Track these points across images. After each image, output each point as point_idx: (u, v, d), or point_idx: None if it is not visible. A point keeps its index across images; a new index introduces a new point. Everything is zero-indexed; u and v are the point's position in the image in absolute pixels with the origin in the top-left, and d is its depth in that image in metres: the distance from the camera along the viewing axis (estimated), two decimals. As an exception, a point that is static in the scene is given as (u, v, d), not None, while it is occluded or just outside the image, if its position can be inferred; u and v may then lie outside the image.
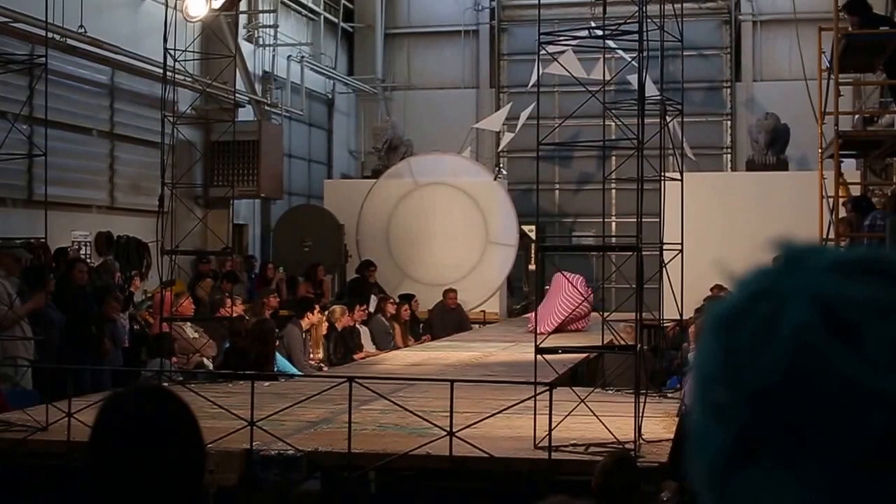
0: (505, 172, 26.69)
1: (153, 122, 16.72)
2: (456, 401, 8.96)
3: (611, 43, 14.09)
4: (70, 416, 9.12)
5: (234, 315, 15.35)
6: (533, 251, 26.25)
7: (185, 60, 13.95)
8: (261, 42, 24.78)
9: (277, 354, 14.18)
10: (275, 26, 24.96)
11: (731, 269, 1.00)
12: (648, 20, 10.10)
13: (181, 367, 14.16)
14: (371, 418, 10.19)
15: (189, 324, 15.17)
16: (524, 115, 23.63)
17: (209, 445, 2.86)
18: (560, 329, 17.56)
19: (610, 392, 11.56)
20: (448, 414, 8.80)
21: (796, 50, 20.86)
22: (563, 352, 11.18)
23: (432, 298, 22.04)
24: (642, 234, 9.84)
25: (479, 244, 23.82)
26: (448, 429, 8.69)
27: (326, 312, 17.17)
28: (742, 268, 0.99)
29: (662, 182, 11.16)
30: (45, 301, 13.13)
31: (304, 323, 15.92)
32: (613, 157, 20.56)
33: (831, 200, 15.12)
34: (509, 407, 9.48)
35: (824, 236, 14.61)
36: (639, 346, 9.98)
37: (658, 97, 11.93)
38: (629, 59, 14.32)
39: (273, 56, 25.02)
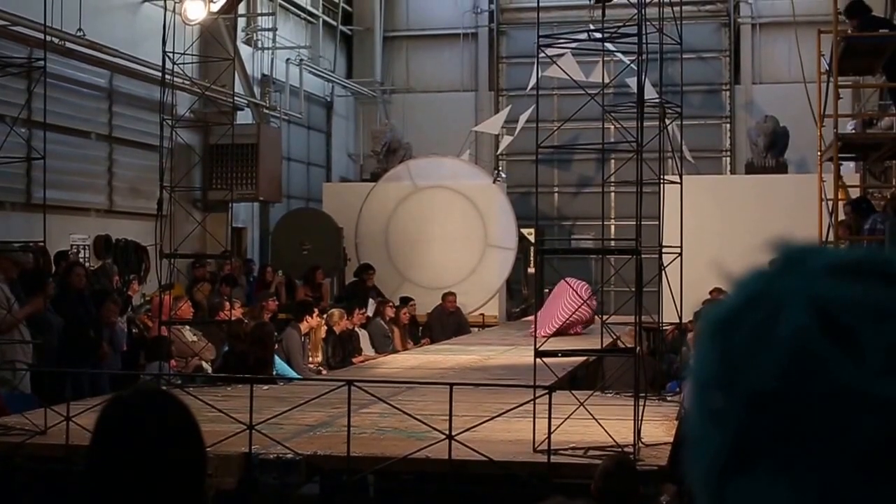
0: (504, 175, 26.68)
1: (152, 126, 16.69)
2: (455, 404, 8.95)
3: (610, 46, 14.06)
4: (68, 420, 9.10)
5: (233, 318, 15.33)
6: (532, 254, 26.25)
7: (184, 64, 13.94)
8: (259, 45, 24.78)
9: (276, 358, 14.17)
10: (273, 29, 24.96)
11: (728, 271, 0.99)
12: (647, 23, 10.08)
13: (180, 370, 14.14)
14: (370, 422, 10.17)
15: (188, 327, 15.16)
16: (523, 117, 23.64)
17: (208, 449, 2.85)
18: (560, 333, 17.53)
19: (609, 395, 11.55)
20: (447, 417, 8.79)
21: (795, 53, 20.87)
22: (563, 355, 11.14)
23: (431, 302, 22.02)
24: (641, 237, 9.83)
25: (478, 247, 23.81)
26: (447, 432, 8.68)
27: (325, 316, 17.16)
28: (740, 269, 0.98)
29: (661, 185, 11.15)
30: (44, 305, 13.11)
31: (303, 326, 15.91)
32: (612, 160, 20.54)
33: (831, 203, 15.11)
34: (508, 410, 9.47)
35: (823, 239, 14.61)
36: (638, 349, 9.96)
37: (657, 100, 11.92)
38: (628, 62, 14.37)
39: (272, 59, 25.02)
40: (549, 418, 8.61)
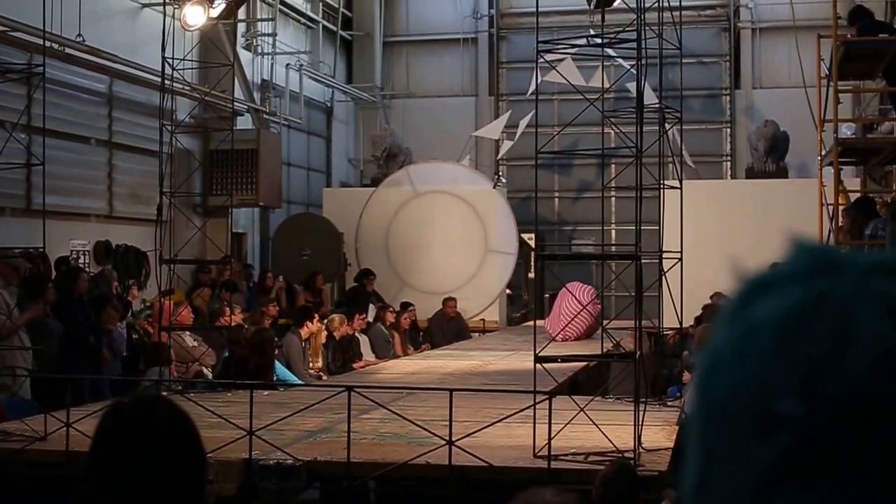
0: (504, 180, 26.69)
1: (152, 131, 16.70)
2: (455, 410, 8.94)
3: (609, 51, 14.09)
4: (68, 426, 9.09)
5: (234, 324, 15.32)
6: (532, 259, 26.25)
7: (184, 69, 13.93)
8: (259, 50, 24.78)
9: (277, 363, 14.16)
10: (273, 34, 24.96)
11: (746, 271, 0.96)
12: (647, 28, 10.08)
13: (180, 376, 14.13)
14: (370, 427, 10.17)
15: (188, 333, 15.15)
16: (523, 122, 23.65)
17: (208, 455, 2.84)
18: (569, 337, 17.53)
19: (610, 401, 11.54)
20: (447, 423, 8.78)
21: (795, 57, 20.86)
22: (563, 360, 11.15)
23: (431, 307, 22.02)
24: (641, 242, 9.83)
25: (479, 252, 23.81)
26: (447, 438, 8.67)
27: (325, 321, 17.15)
28: (757, 270, 0.96)
29: (662, 190, 11.15)
30: (44, 311, 13.10)
31: (304, 332, 15.90)
32: (612, 165, 20.52)
33: (831, 208, 15.10)
34: (509, 416, 9.45)
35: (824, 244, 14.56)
36: (639, 353, 9.94)
37: (657, 105, 11.93)
38: (628, 67, 14.36)
39: (271, 64, 25.02)
40: (550, 424, 8.60)
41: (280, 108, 25.21)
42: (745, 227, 20.70)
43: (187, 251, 15.61)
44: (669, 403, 11.93)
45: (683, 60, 13.26)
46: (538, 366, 9.29)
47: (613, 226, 26.35)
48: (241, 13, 23.45)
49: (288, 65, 25.85)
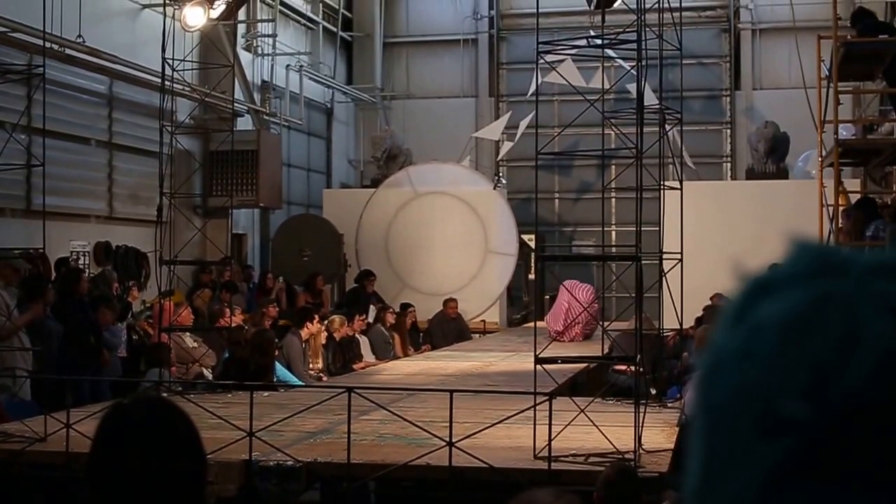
0: (504, 181, 26.67)
1: (152, 132, 16.70)
2: (455, 411, 8.94)
3: (610, 52, 14.10)
4: (69, 427, 9.09)
5: (234, 325, 15.32)
6: (533, 260, 26.24)
7: (184, 70, 13.94)
8: (259, 51, 24.78)
9: (277, 364, 14.16)
10: (273, 35, 24.96)
11: (749, 271, 0.96)
12: (647, 29, 10.08)
13: (180, 377, 14.13)
14: (370, 429, 10.17)
15: (188, 334, 15.15)
16: (523, 123, 23.64)
17: (209, 456, 2.84)
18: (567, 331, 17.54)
19: (610, 402, 11.54)
20: (448, 424, 8.78)
21: (796, 58, 20.87)
22: (563, 362, 11.16)
23: (431, 308, 22.01)
24: (642, 243, 9.83)
25: (479, 253, 23.80)
26: (447, 439, 8.67)
27: (325, 322, 17.15)
28: (760, 271, 0.95)
29: (662, 191, 11.14)
30: (44, 311, 13.10)
31: (304, 333, 15.89)
32: (613, 166, 20.53)
33: (831, 209, 15.10)
34: (509, 417, 9.46)
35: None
36: (639, 357, 9.94)
37: (657, 106, 11.92)
38: (628, 68, 14.35)
39: (271, 65, 25.01)
40: (550, 425, 8.60)
41: (280, 108, 25.20)
42: (745, 228, 20.69)
43: (187, 252, 15.59)
44: (669, 405, 11.92)
45: (683, 61, 13.25)
46: (538, 367, 9.29)
47: (614, 227, 26.34)
48: (241, 14, 23.44)
49: (288, 66, 25.85)
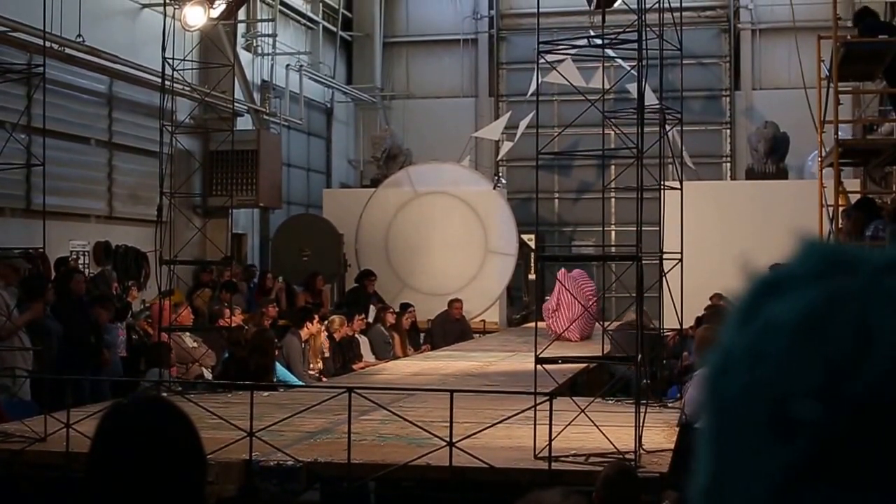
0: (504, 181, 26.67)
1: (152, 132, 16.69)
2: (456, 411, 8.94)
3: (610, 52, 14.10)
4: (68, 427, 9.09)
5: (234, 325, 15.31)
6: (532, 260, 26.24)
7: (184, 70, 13.93)
8: (259, 51, 24.78)
9: (277, 364, 14.15)
10: (273, 35, 24.95)
11: (756, 271, 0.95)
12: (647, 29, 10.08)
13: (180, 377, 14.13)
14: (371, 429, 10.16)
15: (188, 334, 15.14)
16: (523, 123, 23.66)
17: (209, 456, 2.84)
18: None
19: (610, 402, 11.53)
20: (448, 424, 8.78)
21: (795, 58, 20.85)
22: (563, 362, 11.15)
23: (431, 308, 22.00)
24: (642, 243, 9.82)
25: (479, 253, 23.79)
26: (448, 439, 8.67)
27: (325, 322, 17.14)
28: (762, 271, 0.94)
29: (662, 191, 11.14)
30: (43, 311, 13.09)
31: (303, 333, 15.89)
32: (613, 166, 20.52)
33: (831, 209, 15.10)
34: (509, 417, 9.46)
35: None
36: (639, 356, 9.94)
37: (657, 106, 11.92)
38: (628, 68, 14.35)
39: (271, 65, 25.01)
40: (550, 425, 8.60)
41: (280, 108, 25.20)
42: (745, 228, 20.69)
43: (187, 252, 15.59)
44: (670, 405, 11.92)
45: (684, 61, 13.24)
46: (539, 367, 9.29)
47: (614, 227, 26.32)
48: (242, 14, 23.44)
49: (288, 65, 25.84)
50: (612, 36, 11.29)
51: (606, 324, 13.08)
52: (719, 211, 21.39)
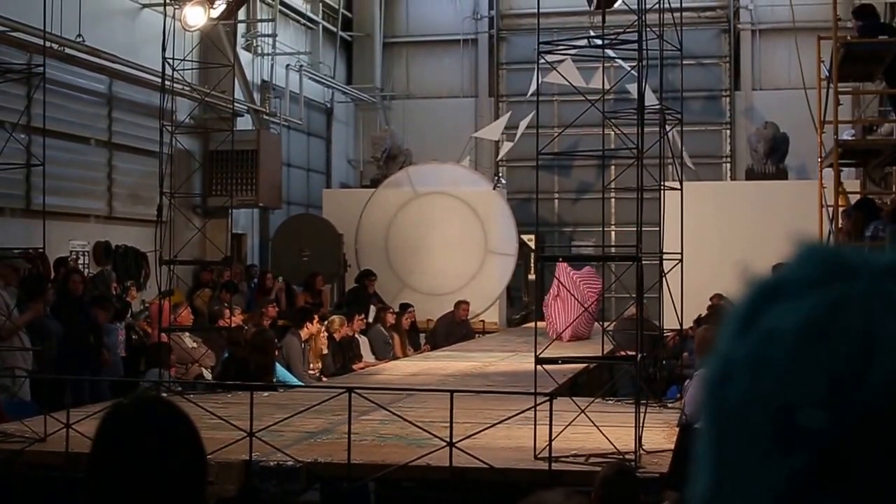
0: (504, 181, 26.65)
1: (151, 132, 16.68)
2: (456, 411, 8.94)
3: (610, 52, 14.08)
4: (68, 427, 9.09)
5: (233, 325, 15.31)
6: (532, 261, 26.23)
7: (184, 70, 13.92)
8: (259, 51, 24.78)
9: (277, 365, 14.15)
10: (273, 35, 24.95)
11: (755, 275, 0.94)
12: (648, 29, 10.08)
13: (180, 377, 14.12)
14: (371, 429, 10.16)
15: (188, 334, 15.13)
16: (523, 123, 23.65)
17: (209, 457, 2.84)
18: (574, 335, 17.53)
19: (610, 402, 11.53)
20: (448, 424, 8.77)
21: (795, 59, 20.86)
22: (563, 362, 11.15)
23: (431, 308, 21.99)
24: (642, 243, 9.82)
25: (479, 253, 23.79)
26: (448, 439, 8.67)
27: (325, 322, 17.13)
28: (762, 276, 0.94)
29: (662, 191, 11.14)
30: (43, 311, 13.09)
31: (303, 333, 15.88)
32: (613, 167, 20.51)
33: (831, 209, 15.10)
34: (509, 417, 9.46)
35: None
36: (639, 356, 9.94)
37: (657, 106, 11.92)
38: (628, 69, 14.35)
39: (271, 65, 25.01)
40: (550, 425, 8.59)
41: (280, 108, 25.20)
42: (744, 228, 20.70)
43: (187, 252, 15.59)
44: (670, 405, 11.92)
45: (684, 62, 13.25)
46: (539, 367, 9.29)
47: (613, 227, 26.32)
48: (242, 14, 23.43)
49: (288, 65, 25.84)
50: (613, 36, 11.29)
51: (606, 324, 13.07)
52: (719, 211, 21.39)
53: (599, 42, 11.74)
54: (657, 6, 11.03)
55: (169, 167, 14.41)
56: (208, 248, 17.16)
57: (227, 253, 16.24)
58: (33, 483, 9.13)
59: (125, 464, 2.56)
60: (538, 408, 8.85)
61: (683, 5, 12.07)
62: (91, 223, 18.64)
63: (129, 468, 2.55)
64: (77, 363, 13.01)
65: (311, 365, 16.04)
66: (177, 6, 18.74)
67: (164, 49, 12.79)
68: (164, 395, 10.72)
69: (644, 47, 9.81)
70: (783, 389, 0.86)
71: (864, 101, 21.28)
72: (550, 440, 8.53)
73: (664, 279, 10.47)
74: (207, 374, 14.56)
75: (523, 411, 9.22)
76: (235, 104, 20.85)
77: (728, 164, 28.93)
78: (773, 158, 23.39)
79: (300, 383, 14.34)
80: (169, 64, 12.91)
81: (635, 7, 9.84)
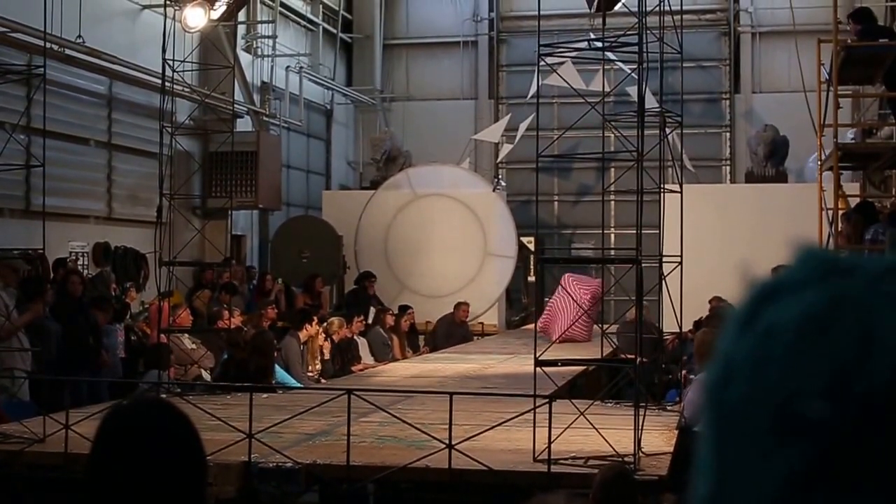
0: (504, 184, 26.66)
1: (151, 133, 16.69)
2: (455, 413, 8.94)
3: (610, 54, 14.08)
4: (67, 428, 9.09)
5: (233, 327, 15.30)
6: (532, 263, 26.23)
7: (184, 71, 13.91)
8: (259, 52, 24.77)
9: (276, 366, 14.14)
10: (273, 37, 24.95)
11: (755, 277, 0.95)
12: (648, 32, 10.08)
13: (179, 378, 14.12)
14: (370, 431, 10.16)
15: (187, 335, 15.13)
16: (523, 126, 23.65)
17: (208, 458, 2.84)
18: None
19: (609, 405, 11.53)
20: (447, 426, 8.77)
21: (795, 62, 20.85)
22: (563, 364, 11.14)
23: (430, 310, 21.99)
24: (641, 246, 9.82)
25: (478, 256, 23.79)
26: (447, 441, 8.67)
27: (325, 324, 17.13)
28: (761, 277, 0.94)
29: (662, 194, 11.13)
30: (43, 312, 13.09)
31: (302, 335, 15.88)
32: (613, 169, 20.56)
33: (831, 213, 15.10)
34: (508, 420, 9.45)
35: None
36: (639, 360, 9.94)
37: (657, 109, 11.92)
38: (628, 71, 14.34)
39: (271, 67, 25.00)
40: (550, 427, 8.59)
41: (280, 110, 25.19)
42: (744, 231, 20.71)
43: (186, 253, 15.57)
44: (669, 408, 11.92)
45: (684, 64, 13.24)
46: (538, 369, 9.29)
47: (613, 229, 26.30)
48: (242, 15, 23.42)
49: (288, 67, 25.84)
50: (613, 39, 11.29)
51: (606, 326, 13.07)
52: (719, 214, 21.40)
53: (600, 44, 11.75)
54: (657, 9, 11.03)
55: (168, 168, 14.40)
56: (208, 250, 17.16)
57: (227, 254, 16.23)
58: (32, 483, 9.13)
59: (124, 465, 2.56)
60: (537, 410, 8.85)
61: (684, 8, 12.07)
62: (90, 224, 18.64)
63: (128, 469, 2.55)
64: (76, 364, 13.01)
65: (310, 366, 16.04)
66: (177, 7, 18.73)
67: (164, 50, 12.78)
68: (164, 396, 10.72)
69: (644, 50, 9.81)
70: (784, 383, 0.87)
71: (863, 104, 21.28)
72: (549, 442, 8.53)
73: (664, 282, 10.47)
74: (207, 376, 14.55)
75: (522, 413, 9.21)
76: (235, 105, 20.85)
77: (728, 167, 28.91)
78: (772, 161, 23.40)
79: (299, 385, 14.33)
80: (169, 65, 12.91)
81: (635, 10, 9.85)
